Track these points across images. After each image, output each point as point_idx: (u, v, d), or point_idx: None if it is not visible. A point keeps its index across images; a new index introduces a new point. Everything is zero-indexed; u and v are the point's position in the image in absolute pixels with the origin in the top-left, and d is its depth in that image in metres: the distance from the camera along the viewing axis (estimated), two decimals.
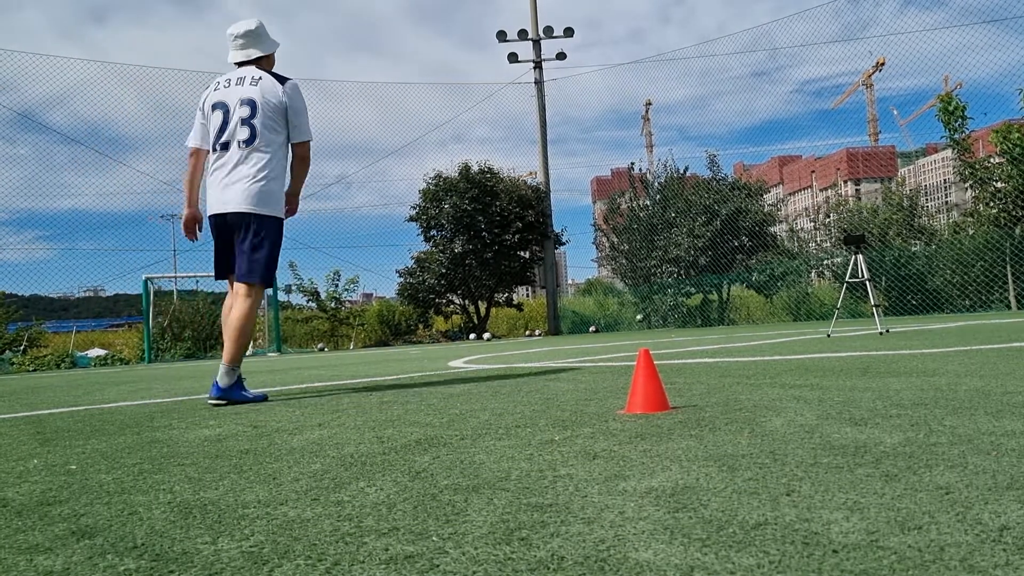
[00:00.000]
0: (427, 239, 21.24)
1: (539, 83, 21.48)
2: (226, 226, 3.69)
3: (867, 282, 7.60)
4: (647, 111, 38.42)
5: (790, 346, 5.96)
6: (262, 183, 3.63)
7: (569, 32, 21.24)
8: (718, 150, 23.75)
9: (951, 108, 15.78)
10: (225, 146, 3.68)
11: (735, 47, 22.06)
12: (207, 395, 3.80)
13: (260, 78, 3.71)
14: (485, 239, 20.23)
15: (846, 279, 7.97)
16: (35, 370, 15.21)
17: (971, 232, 15.75)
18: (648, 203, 21.23)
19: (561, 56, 21.34)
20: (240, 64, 3.82)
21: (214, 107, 3.72)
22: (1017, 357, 3.54)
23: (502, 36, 21.08)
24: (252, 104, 3.65)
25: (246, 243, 3.66)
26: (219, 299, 21.56)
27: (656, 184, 21.19)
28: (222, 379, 3.57)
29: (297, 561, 1.02)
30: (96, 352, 18.93)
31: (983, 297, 15.13)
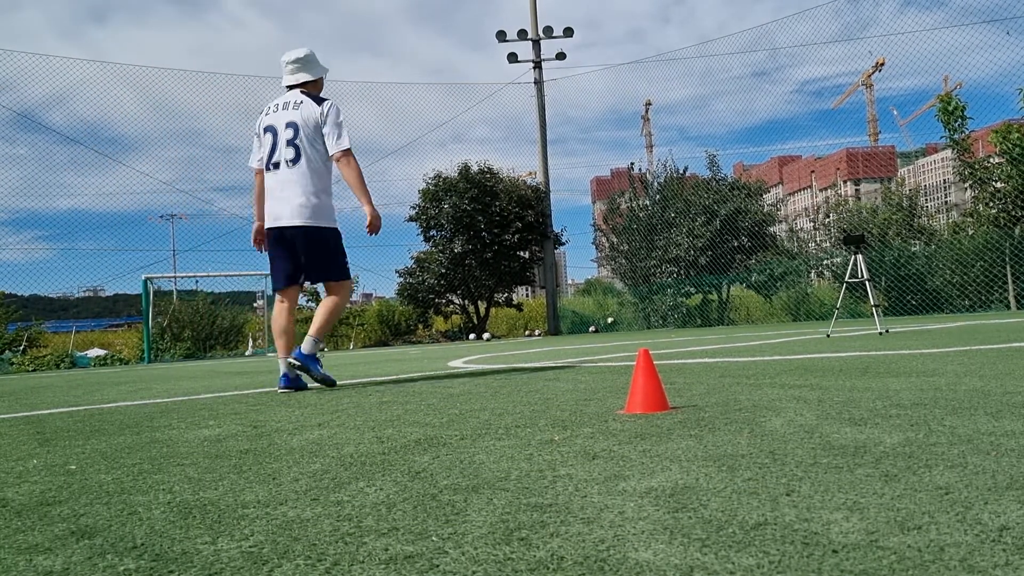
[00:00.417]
0: (427, 239, 21.25)
1: (539, 83, 21.48)
2: (284, 239, 4.12)
3: (867, 282, 7.60)
4: (647, 111, 38.44)
5: (790, 346, 5.96)
6: (311, 198, 4.07)
7: (569, 32, 21.25)
8: (718, 150, 23.79)
9: (951, 108, 15.79)
10: (276, 165, 4.13)
11: (735, 47, 22.07)
12: (277, 387, 4.25)
13: (301, 102, 4.14)
14: (485, 239, 20.23)
15: (846, 279, 7.97)
16: (35, 370, 15.20)
17: (971, 232, 15.75)
18: (648, 203, 21.23)
19: (561, 56, 21.34)
20: (290, 87, 4.26)
21: (265, 130, 4.20)
22: (1017, 357, 3.54)
23: (502, 36, 21.08)
24: (295, 127, 4.09)
25: (319, 255, 4.14)
26: (218, 299, 21.61)
27: (656, 184, 21.19)
28: (305, 346, 4.05)
29: (297, 561, 1.02)
30: (96, 352, 18.92)
31: (983, 297, 15.13)
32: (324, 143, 4.11)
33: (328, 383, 4.17)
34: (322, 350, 4.14)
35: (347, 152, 4.11)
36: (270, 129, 4.17)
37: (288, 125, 4.10)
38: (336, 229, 4.21)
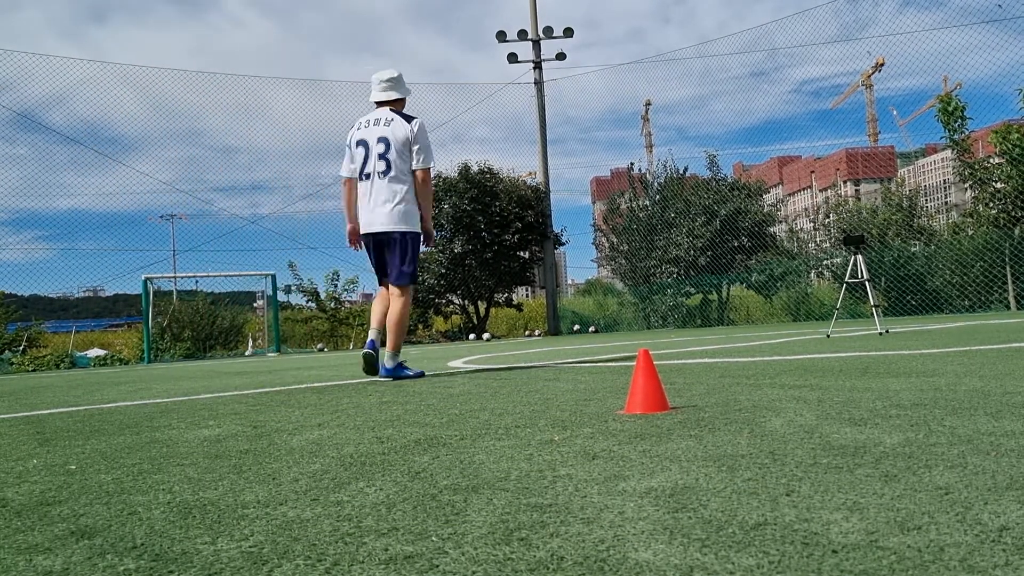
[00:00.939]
0: None
1: (539, 83, 21.47)
2: (376, 243, 4.72)
3: (866, 282, 7.61)
4: (647, 111, 38.41)
5: (790, 346, 5.96)
6: (400, 206, 4.61)
7: (569, 32, 21.24)
8: (717, 150, 23.72)
9: (950, 109, 15.79)
10: (367, 176, 4.67)
11: (735, 47, 22.02)
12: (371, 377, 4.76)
13: (392, 119, 4.66)
14: (485, 239, 20.23)
15: (845, 279, 7.97)
16: (34, 370, 15.20)
17: (970, 233, 15.75)
18: (647, 203, 21.22)
19: (561, 56, 21.34)
20: (379, 103, 4.79)
21: (358, 144, 4.71)
22: (1017, 357, 3.54)
23: (502, 36, 21.07)
24: (387, 142, 4.62)
25: (395, 256, 4.66)
26: (218, 299, 21.64)
27: (656, 184, 21.19)
28: (388, 362, 4.62)
29: (297, 561, 1.02)
30: (95, 352, 18.92)
31: (982, 298, 15.13)
32: (411, 157, 4.64)
33: (419, 376, 4.69)
34: (402, 363, 4.74)
35: (428, 171, 4.70)
36: (362, 143, 4.69)
37: (380, 140, 4.63)
38: (417, 233, 4.73)
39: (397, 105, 4.81)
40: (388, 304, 4.75)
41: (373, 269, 4.87)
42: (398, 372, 4.62)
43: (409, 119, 4.68)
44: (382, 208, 4.61)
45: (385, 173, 4.61)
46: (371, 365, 4.61)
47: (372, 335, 4.71)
